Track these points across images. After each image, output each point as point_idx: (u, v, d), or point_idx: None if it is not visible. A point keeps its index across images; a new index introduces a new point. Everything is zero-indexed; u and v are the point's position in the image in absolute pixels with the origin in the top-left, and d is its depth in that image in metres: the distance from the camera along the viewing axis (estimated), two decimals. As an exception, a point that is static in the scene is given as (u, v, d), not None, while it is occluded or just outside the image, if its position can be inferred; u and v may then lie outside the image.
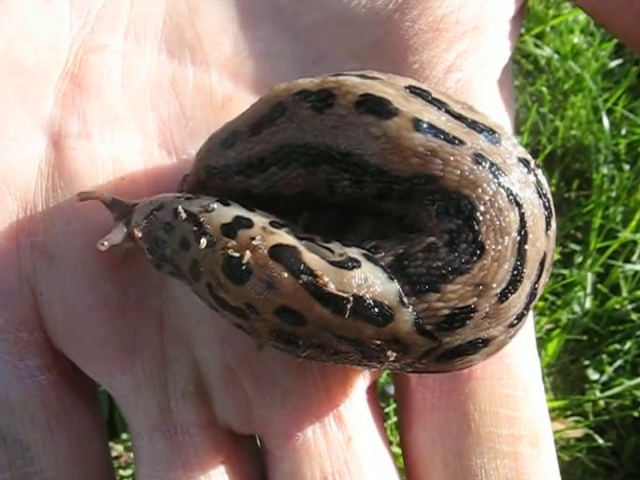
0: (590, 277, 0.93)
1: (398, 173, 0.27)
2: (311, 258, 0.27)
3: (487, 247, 0.27)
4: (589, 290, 0.92)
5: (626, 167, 0.96)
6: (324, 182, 0.29)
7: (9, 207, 0.33)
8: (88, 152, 0.33)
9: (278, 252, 0.27)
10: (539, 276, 0.28)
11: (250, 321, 0.28)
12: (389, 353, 0.27)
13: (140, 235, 0.30)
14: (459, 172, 0.27)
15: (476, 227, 0.27)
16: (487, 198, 0.27)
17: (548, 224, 0.28)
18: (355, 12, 0.34)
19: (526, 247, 0.28)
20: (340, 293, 0.26)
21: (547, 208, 0.28)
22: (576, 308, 0.95)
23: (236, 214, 0.28)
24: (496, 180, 0.27)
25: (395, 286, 0.27)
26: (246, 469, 0.35)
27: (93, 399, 0.36)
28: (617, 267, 0.94)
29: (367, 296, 0.27)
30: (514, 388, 0.33)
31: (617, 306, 0.93)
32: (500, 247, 0.27)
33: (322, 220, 0.31)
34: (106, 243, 0.31)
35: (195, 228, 0.28)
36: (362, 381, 0.34)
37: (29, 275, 0.33)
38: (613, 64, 1.01)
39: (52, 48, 0.33)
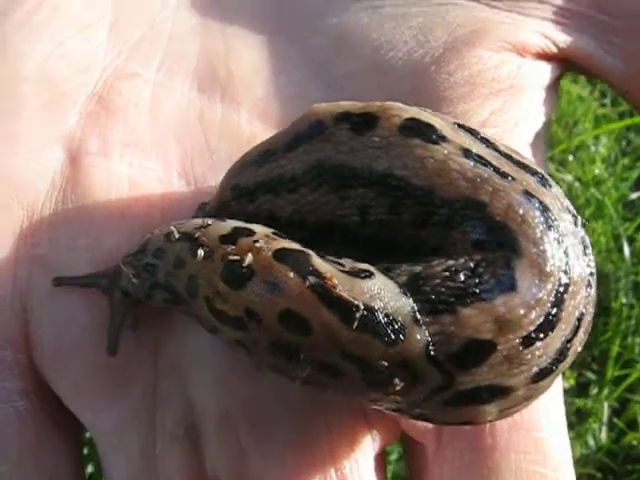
0: (606, 408, 0.88)
1: (443, 195, 0.26)
2: (320, 262, 0.25)
3: (519, 285, 0.25)
4: (605, 421, 0.86)
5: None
6: (356, 209, 0.27)
7: (15, 215, 0.32)
8: (105, 170, 0.33)
9: (284, 254, 0.25)
10: (574, 335, 0.26)
11: (250, 332, 0.26)
12: (396, 381, 0.25)
13: (127, 269, 0.29)
14: (506, 203, 0.26)
15: (513, 263, 0.25)
16: (533, 236, 0.25)
17: (589, 284, 0.26)
18: (391, 64, 0.35)
19: (565, 296, 0.25)
20: (350, 299, 0.24)
21: (590, 266, 0.27)
22: (590, 442, 0.89)
23: (235, 225, 0.27)
24: (545, 221, 0.26)
25: (409, 302, 0.25)
26: None
27: (74, 441, 0.33)
28: (635, 402, 0.89)
29: (379, 308, 0.25)
30: (543, 466, 0.29)
31: (634, 442, 0.88)
32: (534, 290, 0.25)
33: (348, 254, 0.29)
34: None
35: (190, 244, 0.27)
36: (370, 445, 0.31)
37: (23, 289, 0.31)
38: (634, 196, 1.02)
39: (84, 70, 0.34)
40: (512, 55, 0.34)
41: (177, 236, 0.28)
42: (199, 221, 0.28)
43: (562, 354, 0.26)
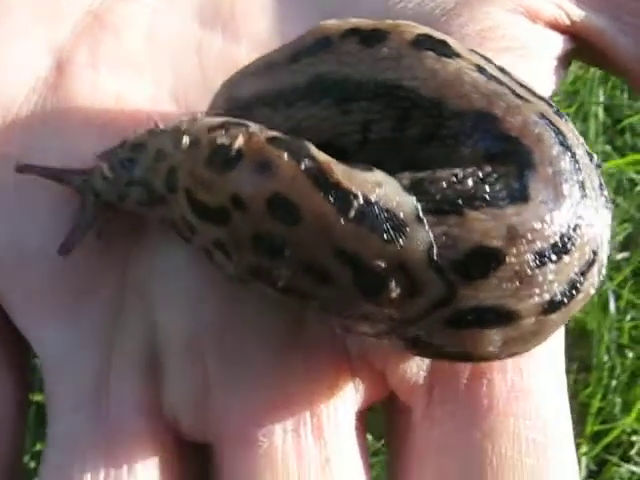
0: (584, 467, 0.84)
1: (453, 108, 0.24)
2: (317, 151, 0.23)
3: (532, 198, 0.23)
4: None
5: (629, 354, 0.92)
6: (359, 125, 0.25)
7: None
8: (91, 81, 0.30)
9: (279, 141, 0.23)
10: (588, 268, 0.24)
11: (232, 226, 0.23)
12: (392, 285, 0.22)
13: (101, 164, 0.26)
14: (521, 120, 0.24)
15: (526, 177, 0.23)
16: (549, 155, 0.23)
17: (606, 221, 0.24)
18: (401, 14, 0.33)
19: (580, 222, 0.23)
20: (349, 186, 0.22)
21: (607, 205, 0.25)
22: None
23: (227, 119, 0.25)
24: (562, 144, 0.24)
25: (412, 200, 0.22)
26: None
27: (19, 365, 0.29)
28: (612, 464, 0.86)
29: (379, 200, 0.22)
30: (544, 435, 0.26)
31: (611, 506, 0.83)
32: (550, 206, 0.23)
33: None
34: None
35: (174, 135, 0.25)
36: (353, 395, 0.27)
37: None
38: (619, 256, 1.01)
39: None
40: (524, 19, 0.33)
41: (161, 128, 0.25)
42: (186, 117, 0.26)
43: (574, 287, 0.23)
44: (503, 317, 0.23)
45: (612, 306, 0.93)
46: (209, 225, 0.24)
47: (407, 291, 0.22)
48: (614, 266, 1.00)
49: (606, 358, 0.91)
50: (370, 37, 0.25)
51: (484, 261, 0.22)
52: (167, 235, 0.28)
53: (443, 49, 0.25)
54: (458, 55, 0.25)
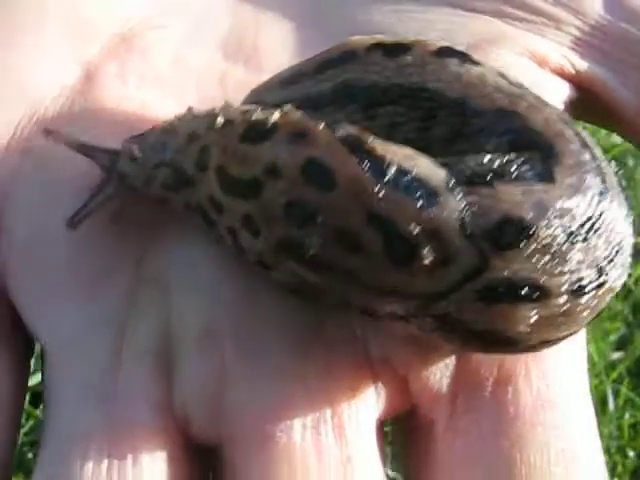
0: None
1: (477, 106, 0.25)
2: (353, 127, 0.24)
3: (559, 180, 0.23)
4: None
5: (630, 453, 0.89)
6: (385, 128, 0.26)
7: (15, 110, 0.29)
8: (118, 90, 0.31)
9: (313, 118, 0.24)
10: (614, 256, 0.24)
11: (264, 196, 0.23)
12: (424, 252, 0.22)
13: (130, 145, 0.27)
14: (543, 117, 0.25)
15: (551, 163, 0.24)
16: (570, 149, 0.24)
17: (628, 218, 0.25)
18: None
19: (605, 214, 0.23)
20: (384, 153, 0.22)
21: (627, 204, 0.25)
22: None
23: (260, 108, 0.25)
24: (582, 141, 0.25)
25: (442, 172, 0.23)
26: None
27: (20, 363, 0.28)
28: None
29: (413, 168, 0.22)
30: (572, 444, 0.25)
31: None
32: (575, 190, 0.23)
33: None
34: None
35: (208, 118, 0.25)
36: (374, 398, 0.26)
37: (7, 176, 0.28)
38: (615, 356, 1.00)
39: (113, 13, 0.33)
40: (532, 63, 0.35)
41: (193, 114, 0.26)
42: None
43: (602, 273, 0.23)
44: (534, 292, 0.22)
45: (611, 404, 0.91)
46: (239, 200, 0.24)
47: (439, 259, 0.22)
48: (612, 367, 0.99)
49: (607, 458, 0.88)
50: (394, 49, 0.27)
51: (515, 231, 0.22)
52: (186, 227, 0.28)
53: (466, 57, 0.27)
54: (480, 64, 0.27)
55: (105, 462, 0.24)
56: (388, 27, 0.34)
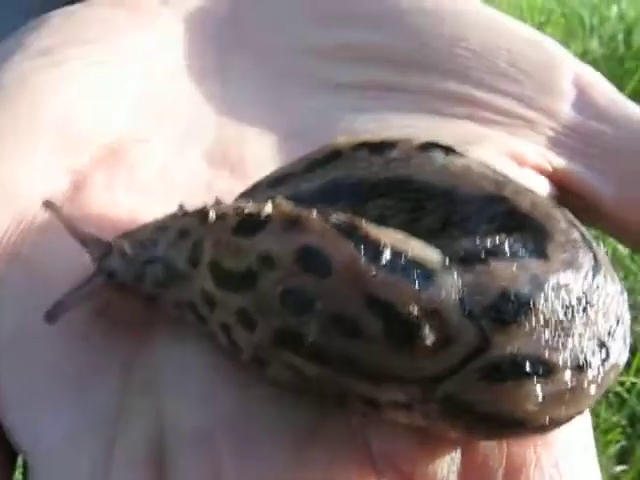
0: None
1: (465, 194, 0.26)
2: (345, 215, 0.24)
3: (552, 257, 0.24)
4: None
5: None
6: (374, 221, 0.26)
7: (2, 217, 0.29)
8: (106, 198, 0.31)
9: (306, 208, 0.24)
10: (614, 331, 0.24)
11: (259, 287, 0.23)
12: (425, 332, 0.22)
13: (121, 242, 0.27)
14: (530, 202, 0.26)
15: (543, 242, 0.24)
16: (560, 228, 0.25)
17: (622, 294, 0.25)
18: None
19: (602, 290, 0.24)
20: (378, 237, 0.23)
21: (619, 283, 0.26)
22: None
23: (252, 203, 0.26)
24: (569, 222, 0.25)
25: (437, 253, 0.23)
26: None
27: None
28: None
29: (409, 250, 0.23)
30: None
31: None
32: (570, 268, 0.23)
33: None
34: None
35: (199, 214, 0.26)
36: None
37: None
38: (618, 469, 0.97)
39: (103, 124, 0.34)
40: (512, 162, 0.36)
41: (184, 211, 0.27)
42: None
43: (604, 347, 0.23)
44: (538, 367, 0.22)
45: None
46: (233, 294, 0.24)
47: (440, 340, 0.22)
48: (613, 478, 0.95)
49: None
50: (379, 147, 0.28)
51: (514, 306, 0.22)
52: (175, 327, 0.27)
53: (449, 150, 0.27)
54: (464, 156, 0.28)
55: None
56: (371, 135, 0.35)
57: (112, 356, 0.27)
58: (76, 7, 0.38)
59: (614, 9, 1.91)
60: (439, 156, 0.27)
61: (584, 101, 0.35)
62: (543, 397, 0.22)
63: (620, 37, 1.77)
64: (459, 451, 0.26)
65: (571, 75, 0.35)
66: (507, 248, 0.24)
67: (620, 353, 0.24)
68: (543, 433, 0.24)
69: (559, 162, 0.34)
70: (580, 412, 0.24)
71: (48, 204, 0.28)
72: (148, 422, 0.25)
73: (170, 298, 0.26)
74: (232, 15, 0.39)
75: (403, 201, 0.26)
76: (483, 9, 0.37)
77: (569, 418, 0.24)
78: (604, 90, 0.35)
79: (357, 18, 0.37)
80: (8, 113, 0.32)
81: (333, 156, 0.28)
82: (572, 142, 0.35)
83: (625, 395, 1.02)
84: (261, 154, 0.35)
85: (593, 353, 0.23)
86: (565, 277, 0.23)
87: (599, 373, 0.23)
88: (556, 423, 0.23)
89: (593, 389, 0.23)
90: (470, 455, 0.26)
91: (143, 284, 0.26)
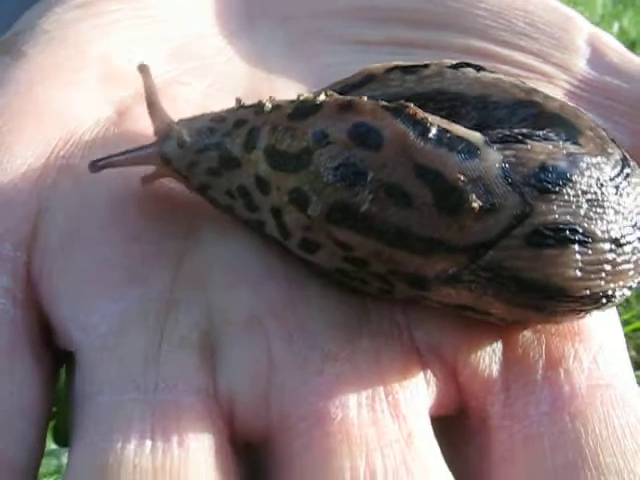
0: None
1: (499, 100, 0.27)
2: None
3: (584, 145, 0.25)
4: None
5: None
6: None
7: (52, 133, 0.30)
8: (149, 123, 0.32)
9: None
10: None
11: (314, 164, 0.24)
12: (472, 197, 0.23)
13: (180, 127, 0.28)
14: (559, 104, 0.27)
15: (573, 134, 0.26)
16: (588, 124, 0.26)
17: None
18: None
19: (629, 179, 0.25)
20: (425, 116, 0.24)
21: None
22: None
23: None
24: (595, 122, 0.27)
25: (479, 133, 0.25)
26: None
27: (48, 382, 0.27)
28: None
29: (453, 129, 0.24)
30: (635, 417, 0.25)
31: None
32: (600, 156, 0.25)
33: None
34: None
35: (255, 106, 0.27)
36: (424, 385, 0.26)
37: (44, 191, 0.29)
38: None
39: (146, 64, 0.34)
40: None
41: (240, 105, 0.28)
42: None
43: (637, 227, 0.25)
44: (579, 235, 0.23)
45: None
46: (288, 174, 0.25)
47: (485, 206, 0.23)
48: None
49: None
50: (412, 68, 0.29)
51: (553, 177, 0.24)
52: (224, 224, 0.29)
53: (481, 68, 0.29)
54: (495, 72, 0.29)
55: (148, 444, 0.22)
56: None
57: (163, 251, 0.28)
58: None
59: (615, 26, 1.98)
60: (471, 71, 0.29)
61: (599, 58, 0.37)
62: (584, 264, 0.24)
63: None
64: (500, 344, 0.27)
65: (586, 34, 0.38)
66: (542, 135, 0.25)
67: None
68: (581, 307, 0.25)
69: None
70: (615, 290, 0.25)
71: (143, 68, 0.30)
72: (198, 312, 0.26)
73: (222, 186, 0.27)
74: None
75: (438, 110, 0.27)
76: None
77: (606, 296, 0.25)
78: (618, 49, 0.38)
79: None
80: (55, 53, 0.33)
81: (367, 79, 0.29)
82: (588, 95, 0.36)
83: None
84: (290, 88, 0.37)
85: (629, 229, 0.24)
86: (598, 160, 0.25)
87: (635, 251, 0.24)
88: (595, 297, 0.25)
89: (630, 267, 0.25)
90: (511, 347, 0.27)
91: (197, 172, 0.28)
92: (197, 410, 0.24)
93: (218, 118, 0.28)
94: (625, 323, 1.02)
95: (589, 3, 2.09)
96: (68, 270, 0.27)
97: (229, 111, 0.28)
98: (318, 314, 0.26)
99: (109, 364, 0.25)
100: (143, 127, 0.32)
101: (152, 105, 0.29)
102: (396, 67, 0.29)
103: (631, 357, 0.28)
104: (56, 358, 0.27)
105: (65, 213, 0.28)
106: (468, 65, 0.29)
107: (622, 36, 1.90)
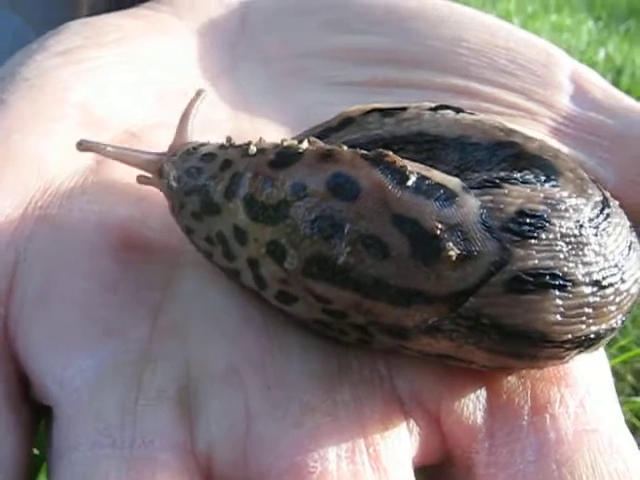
0: None
1: (478, 141, 0.27)
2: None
3: (562, 187, 0.25)
4: None
5: None
6: None
7: (30, 183, 0.30)
8: (129, 170, 0.32)
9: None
10: (628, 253, 0.25)
11: (291, 216, 0.24)
12: (450, 245, 0.23)
13: (169, 168, 0.28)
14: (539, 145, 0.27)
15: (553, 176, 0.25)
16: (568, 166, 0.26)
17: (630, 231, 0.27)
18: None
19: (610, 219, 0.25)
20: (404, 163, 0.24)
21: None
22: None
23: None
24: (575, 164, 0.27)
25: (456, 178, 0.25)
26: None
27: (27, 435, 0.26)
28: None
29: (431, 176, 0.24)
30: (624, 463, 0.24)
31: None
32: (579, 199, 0.25)
33: None
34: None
35: (242, 147, 0.27)
36: (407, 435, 0.25)
37: (22, 242, 0.28)
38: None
39: (123, 114, 0.35)
40: None
41: (230, 143, 0.28)
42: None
43: (619, 267, 0.24)
44: (559, 280, 0.23)
45: None
46: (265, 226, 0.25)
47: (463, 253, 0.23)
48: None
49: None
50: (390, 111, 0.29)
51: (531, 221, 0.24)
52: (201, 276, 0.28)
53: (460, 110, 0.29)
54: (475, 114, 0.29)
55: None
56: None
57: (140, 301, 0.27)
58: (94, 18, 0.40)
59: (601, 53, 2.00)
60: (450, 113, 0.29)
61: (582, 94, 0.37)
62: (565, 309, 0.23)
63: (609, 79, 1.85)
64: (484, 391, 0.26)
65: (568, 71, 0.38)
66: (520, 177, 0.25)
67: (635, 279, 0.25)
68: (564, 352, 0.24)
69: (561, 149, 0.36)
70: (598, 333, 0.24)
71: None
72: (175, 364, 0.26)
73: (203, 230, 0.27)
74: (241, 26, 0.42)
75: (417, 153, 0.27)
76: (479, 14, 0.40)
77: (588, 339, 0.24)
78: (600, 85, 0.38)
79: (360, 24, 0.40)
80: (34, 101, 0.33)
81: (346, 122, 0.29)
82: (572, 131, 0.36)
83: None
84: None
85: (611, 271, 0.24)
86: (577, 201, 0.25)
87: (617, 292, 0.24)
88: (577, 341, 0.24)
89: (613, 309, 0.24)
90: (495, 393, 0.26)
91: (184, 214, 0.28)
92: (173, 467, 0.23)
93: (209, 157, 0.28)
94: (622, 349, 1.01)
95: (575, 30, 2.12)
96: (44, 323, 0.27)
97: (221, 148, 0.28)
98: (297, 364, 0.26)
99: (85, 419, 0.24)
100: (122, 175, 0.32)
101: (182, 122, 0.30)
102: (374, 110, 0.29)
103: (629, 383, 0.28)
104: (36, 412, 0.27)
105: (42, 264, 0.28)
106: (447, 107, 0.29)
107: (608, 63, 1.92)
